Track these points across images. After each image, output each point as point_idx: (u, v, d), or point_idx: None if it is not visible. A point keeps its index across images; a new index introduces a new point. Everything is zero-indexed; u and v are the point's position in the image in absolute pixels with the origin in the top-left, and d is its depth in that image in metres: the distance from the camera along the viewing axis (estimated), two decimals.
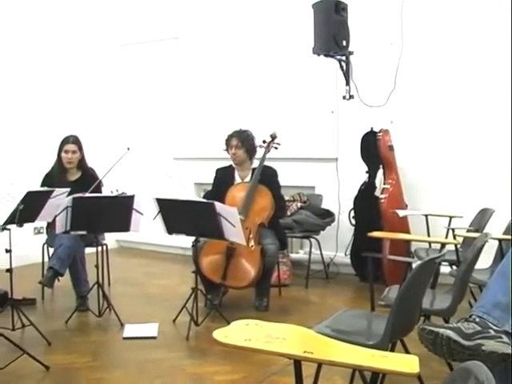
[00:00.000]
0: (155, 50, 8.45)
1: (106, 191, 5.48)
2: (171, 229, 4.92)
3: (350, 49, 6.16)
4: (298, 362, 2.12)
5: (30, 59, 7.60)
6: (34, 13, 7.60)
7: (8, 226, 4.14)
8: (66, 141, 5.67)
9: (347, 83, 6.39)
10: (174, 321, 5.10)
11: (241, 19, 7.54)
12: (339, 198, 6.84)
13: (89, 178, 5.62)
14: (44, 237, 6.13)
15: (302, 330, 2.32)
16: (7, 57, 7.33)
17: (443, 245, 4.59)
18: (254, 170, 5.60)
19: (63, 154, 5.65)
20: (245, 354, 4.04)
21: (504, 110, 5.89)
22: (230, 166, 5.74)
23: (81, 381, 3.95)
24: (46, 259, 5.92)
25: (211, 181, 5.87)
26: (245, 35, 7.53)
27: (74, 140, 5.67)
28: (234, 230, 4.61)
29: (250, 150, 5.62)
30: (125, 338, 4.77)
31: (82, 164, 5.75)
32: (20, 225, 4.28)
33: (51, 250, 5.65)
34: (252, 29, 7.44)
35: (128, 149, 5.42)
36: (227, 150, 5.65)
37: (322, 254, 6.64)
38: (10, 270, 4.33)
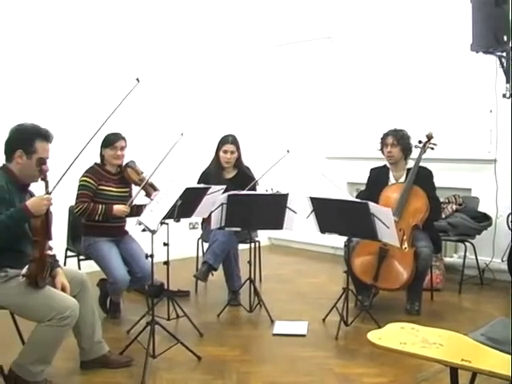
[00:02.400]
0: (308, 50, 8.47)
1: (260, 189, 5.57)
2: (324, 228, 4.92)
3: (511, 44, 5.88)
4: (454, 370, 2.06)
5: (195, 63, 7.92)
6: (194, 16, 7.87)
7: (166, 221, 4.27)
8: (225, 140, 5.78)
9: (507, 81, 6.11)
10: (324, 320, 5.09)
11: (394, 17, 7.39)
12: (497, 202, 6.55)
13: (244, 177, 5.73)
14: (199, 232, 6.32)
15: (459, 337, 2.25)
16: (175, 62, 7.65)
17: None
18: (408, 170, 5.48)
19: (222, 154, 5.77)
20: (393, 358, 3.98)
21: None
22: (385, 166, 5.65)
23: (231, 373, 4.04)
24: (200, 254, 6.10)
25: (364, 180, 5.82)
26: (399, 33, 7.37)
27: (232, 140, 5.77)
28: (388, 231, 4.53)
29: (406, 149, 5.50)
30: (274, 335, 4.82)
31: (238, 163, 5.85)
32: (177, 220, 4.41)
33: (205, 245, 5.81)
34: (406, 26, 7.28)
35: (288, 151, 5.47)
36: (382, 148, 5.56)
37: (477, 258, 6.39)
38: (166, 263, 4.48)
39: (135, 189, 5.18)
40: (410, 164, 5.53)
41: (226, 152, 5.74)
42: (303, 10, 8.39)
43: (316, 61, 8.40)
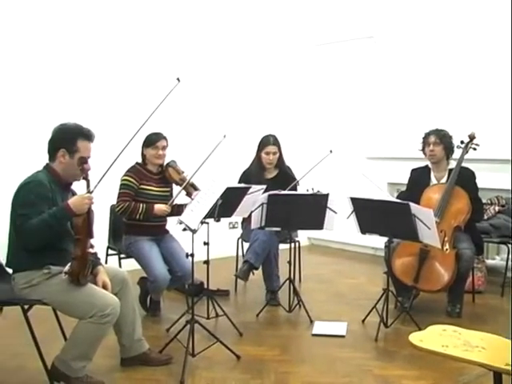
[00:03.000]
0: (350, 50, 8.43)
1: (301, 189, 5.55)
2: (364, 228, 4.89)
3: None
4: (498, 375, 2.03)
5: (237, 62, 7.98)
6: (236, 15, 7.91)
7: (206, 220, 4.28)
8: (266, 142, 5.75)
9: None
10: (363, 321, 5.07)
11: (436, 17, 7.31)
12: None
13: (285, 177, 5.72)
14: (238, 231, 6.33)
15: (502, 341, 2.22)
16: (217, 62, 7.70)
17: None
18: (450, 171, 5.41)
19: (264, 155, 5.75)
20: (433, 361, 3.94)
21: None
22: (426, 166, 5.59)
23: (269, 373, 4.03)
24: (240, 253, 6.11)
25: (405, 181, 5.76)
26: (440, 32, 7.29)
27: (274, 141, 5.74)
28: (429, 232, 4.48)
29: (448, 149, 5.43)
30: (313, 335, 4.81)
31: (279, 163, 5.82)
32: (218, 219, 4.41)
33: (245, 245, 5.81)
34: (447, 26, 7.20)
35: (331, 151, 5.45)
36: (423, 148, 5.50)
37: None
38: (207, 262, 4.49)
39: (176, 188, 5.20)
40: (452, 165, 5.45)
41: (268, 153, 5.72)
42: (345, 9, 8.36)
43: (357, 60, 8.36)
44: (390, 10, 7.86)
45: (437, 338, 2.18)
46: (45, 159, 3.81)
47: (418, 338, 2.13)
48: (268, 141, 5.76)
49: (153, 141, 5.07)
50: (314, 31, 8.72)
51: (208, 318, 4.77)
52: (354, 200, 4.81)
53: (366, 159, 8.16)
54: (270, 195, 4.96)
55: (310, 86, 8.79)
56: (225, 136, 4.68)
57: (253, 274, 5.52)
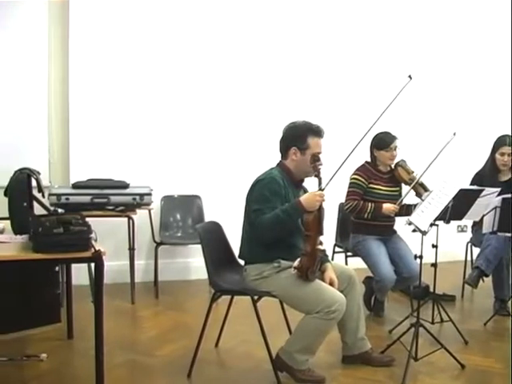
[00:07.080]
0: None
1: None
2: None
3: None
4: None
5: (469, 59, 7.72)
6: (463, 12, 7.66)
7: (436, 222, 4.18)
8: (502, 142, 5.50)
9: None
10: None
11: None
12: None
13: None
14: (467, 235, 6.13)
15: None
16: (447, 59, 7.55)
17: None
18: None
19: (498, 156, 5.51)
20: None
21: None
22: None
23: None
24: (469, 258, 5.91)
25: None
26: None
27: (510, 142, 5.49)
28: None
29: None
30: None
31: None
32: (447, 222, 4.30)
33: (474, 249, 5.61)
34: None
35: None
36: None
37: None
38: (434, 265, 4.39)
39: (405, 188, 5.14)
40: None
41: (503, 154, 5.47)
42: None
43: None
44: None
45: None
46: (278, 157, 3.95)
47: None
48: (504, 141, 5.50)
49: (387, 143, 5.05)
50: None
51: (432, 323, 4.65)
52: None
53: None
54: (504, 199, 4.74)
55: None
56: (454, 134, 4.54)
57: (483, 280, 5.30)
